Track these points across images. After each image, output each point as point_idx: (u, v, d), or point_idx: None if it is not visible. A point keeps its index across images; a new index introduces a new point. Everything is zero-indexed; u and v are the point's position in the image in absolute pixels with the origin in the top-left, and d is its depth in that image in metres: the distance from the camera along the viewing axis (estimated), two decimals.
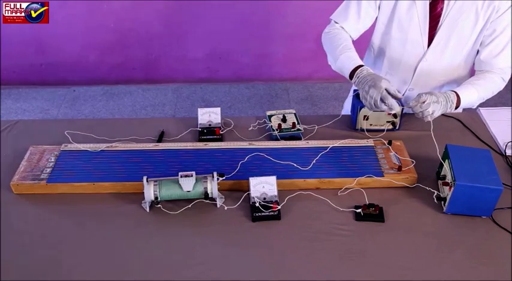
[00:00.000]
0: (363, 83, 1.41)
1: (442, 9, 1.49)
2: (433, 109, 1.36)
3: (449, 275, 1.14)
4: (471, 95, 1.47)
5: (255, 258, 1.18)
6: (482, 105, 1.62)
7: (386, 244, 1.21)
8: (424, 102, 1.36)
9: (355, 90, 1.56)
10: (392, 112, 1.41)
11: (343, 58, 1.50)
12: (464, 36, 1.53)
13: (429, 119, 1.38)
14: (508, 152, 1.50)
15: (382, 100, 1.36)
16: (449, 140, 1.40)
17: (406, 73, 1.65)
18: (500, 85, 1.55)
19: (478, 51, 1.58)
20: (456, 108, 1.46)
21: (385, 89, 1.36)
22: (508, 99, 3.11)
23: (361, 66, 1.47)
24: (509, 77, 1.57)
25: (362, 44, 1.64)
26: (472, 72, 1.68)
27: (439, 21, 1.51)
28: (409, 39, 1.56)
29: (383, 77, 1.40)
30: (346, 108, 1.82)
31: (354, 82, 1.46)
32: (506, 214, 1.29)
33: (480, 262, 1.17)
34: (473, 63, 1.63)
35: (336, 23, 1.58)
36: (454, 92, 1.45)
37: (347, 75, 1.49)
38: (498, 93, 1.57)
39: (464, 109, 1.66)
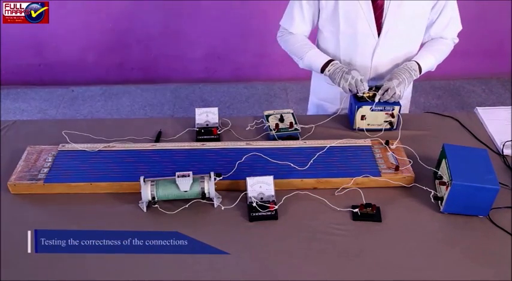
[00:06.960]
0: (341, 69, 1.54)
1: None
2: (400, 90, 1.51)
3: (446, 274, 1.14)
4: (430, 61, 1.62)
5: (252, 258, 1.17)
6: (479, 105, 1.62)
7: (384, 244, 1.21)
8: (388, 89, 1.49)
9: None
10: (360, 94, 1.54)
11: (311, 55, 1.62)
12: (413, 18, 1.57)
13: (399, 99, 1.53)
14: (506, 152, 1.50)
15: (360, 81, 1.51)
16: (446, 140, 1.41)
17: (364, 64, 1.66)
18: (451, 47, 1.68)
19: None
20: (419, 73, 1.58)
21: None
22: (506, 99, 3.11)
23: (332, 60, 1.59)
24: (457, 41, 1.69)
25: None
26: None
27: (383, 9, 1.53)
28: (359, 32, 1.58)
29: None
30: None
31: (329, 70, 1.56)
32: (503, 213, 1.29)
33: (477, 262, 1.17)
34: None
35: (285, 29, 1.65)
36: (415, 61, 1.58)
37: (318, 69, 1.60)
38: (497, 93, 1.57)
39: (461, 109, 1.66)
